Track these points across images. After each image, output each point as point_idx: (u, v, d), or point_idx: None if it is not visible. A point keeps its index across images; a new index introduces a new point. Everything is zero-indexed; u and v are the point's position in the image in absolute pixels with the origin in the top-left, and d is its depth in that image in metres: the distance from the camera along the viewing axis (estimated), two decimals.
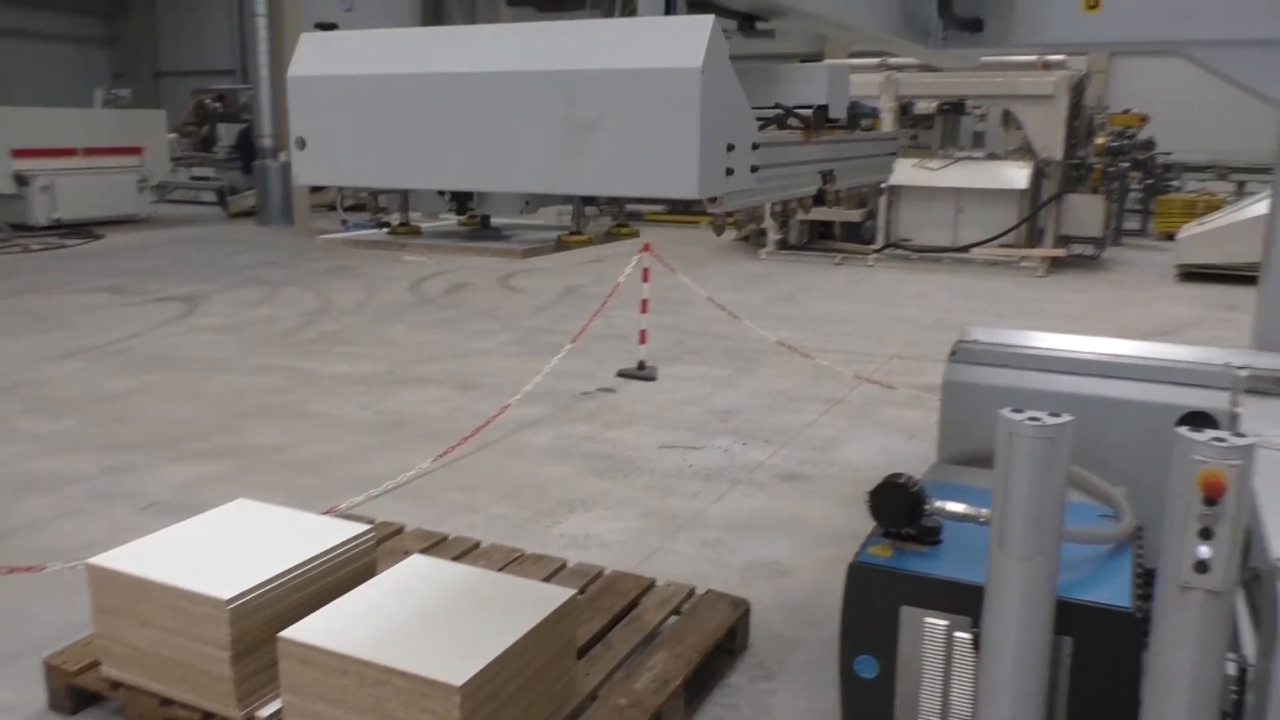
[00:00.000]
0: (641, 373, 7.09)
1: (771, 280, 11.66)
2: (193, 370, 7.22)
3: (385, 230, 2.26)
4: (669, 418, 6.14)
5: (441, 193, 2.19)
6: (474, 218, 2.28)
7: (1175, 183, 17.34)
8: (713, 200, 1.85)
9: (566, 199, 2.09)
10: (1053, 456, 2.13)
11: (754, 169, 1.90)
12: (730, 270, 12.28)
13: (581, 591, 3.38)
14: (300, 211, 16.39)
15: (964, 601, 2.40)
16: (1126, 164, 14.17)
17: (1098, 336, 3.58)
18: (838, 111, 2.30)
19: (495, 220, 2.27)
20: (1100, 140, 12.85)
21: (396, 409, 6.32)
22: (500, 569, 3.48)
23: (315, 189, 18.18)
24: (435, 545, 3.75)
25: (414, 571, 2.90)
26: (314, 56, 2.06)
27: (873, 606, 2.57)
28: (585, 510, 4.63)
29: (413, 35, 2.00)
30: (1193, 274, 11.58)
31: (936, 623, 2.48)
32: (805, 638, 3.44)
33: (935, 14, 2.99)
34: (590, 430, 5.87)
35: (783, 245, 13.56)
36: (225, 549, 2.94)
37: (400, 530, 3.93)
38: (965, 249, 12.47)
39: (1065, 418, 2.14)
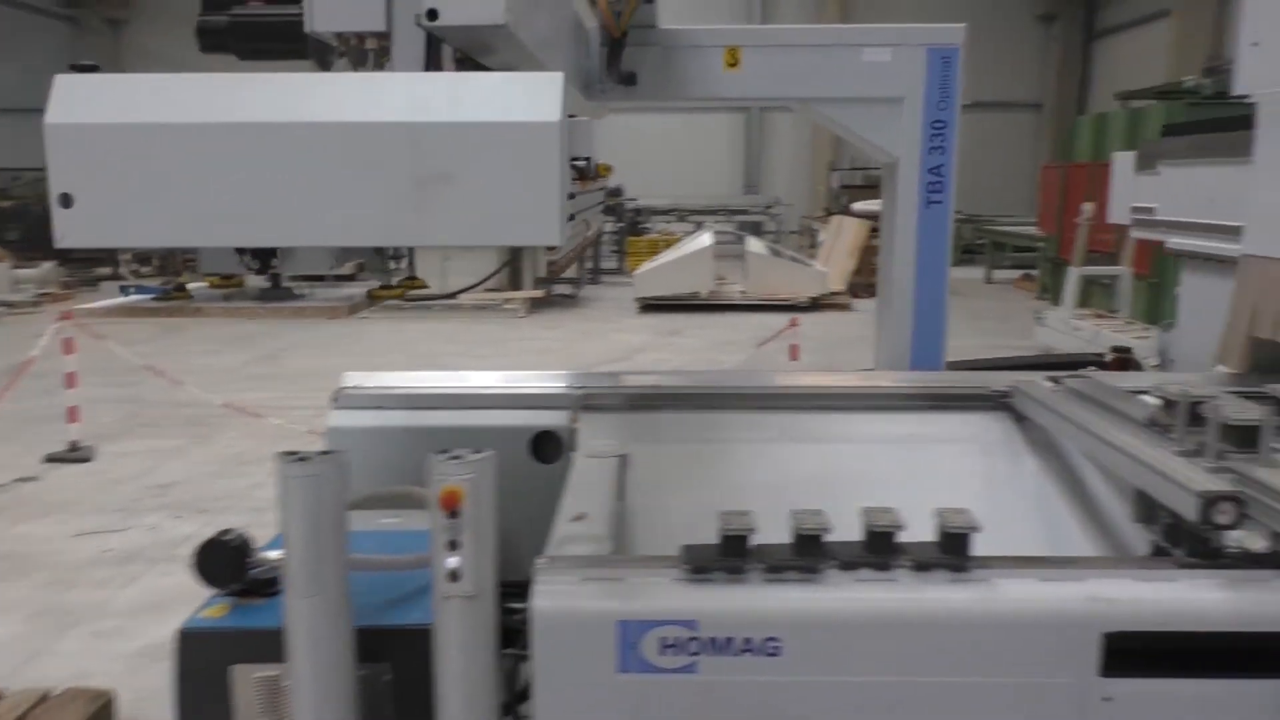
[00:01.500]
0: (74, 454, 6.38)
1: (259, 340, 11.15)
2: None
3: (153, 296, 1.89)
4: (98, 500, 5.58)
5: (241, 252, 1.94)
6: (232, 278, 2.02)
7: (647, 225, 19.49)
8: (551, 249, 1.93)
9: (359, 252, 2.00)
10: (322, 493, 2.20)
11: (572, 217, 2.03)
12: (215, 333, 11.56)
13: None
14: None
15: None
16: None
17: (481, 371, 3.82)
18: (591, 164, 2.45)
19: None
20: None
21: None
22: None
23: None
24: None
25: None
26: (75, 101, 1.80)
27: (205, 671, 2.48)
28: None
29: (202, 81, 1.83)
30: (650, 305, 13.02)
31: (265, 675, 2.46)
32: None
33: (602, 67, 3.15)
34: None
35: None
36: None
37: None
38: (453, 295, 12.91)
39: (334, 453, 2.23)
